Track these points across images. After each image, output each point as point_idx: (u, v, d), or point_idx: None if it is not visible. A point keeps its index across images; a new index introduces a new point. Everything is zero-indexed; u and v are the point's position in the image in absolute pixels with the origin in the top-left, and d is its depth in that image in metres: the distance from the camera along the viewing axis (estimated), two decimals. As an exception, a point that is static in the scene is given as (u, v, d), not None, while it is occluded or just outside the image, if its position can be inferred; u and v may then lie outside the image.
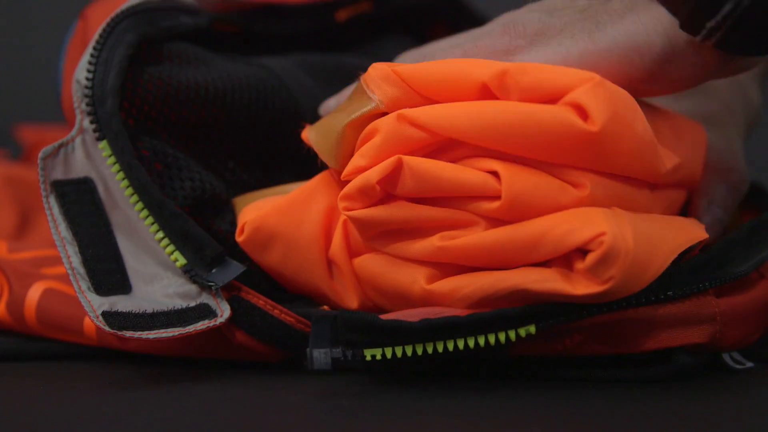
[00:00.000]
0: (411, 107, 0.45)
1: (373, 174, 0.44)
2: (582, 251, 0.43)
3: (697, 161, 0.50)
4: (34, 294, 0.52)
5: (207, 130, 0.52)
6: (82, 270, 0.47)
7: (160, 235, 0.48)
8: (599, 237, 0.42)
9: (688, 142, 0.49)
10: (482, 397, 0.45)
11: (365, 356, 0.44)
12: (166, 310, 0.47)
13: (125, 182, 0.49)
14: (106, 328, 0.45)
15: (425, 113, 0.44)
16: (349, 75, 0.52)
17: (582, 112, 0.43)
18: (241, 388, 0.47)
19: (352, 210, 0.45)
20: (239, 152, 0.54)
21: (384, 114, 0.46)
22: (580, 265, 0.43)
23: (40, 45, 1.03)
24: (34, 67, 1.04)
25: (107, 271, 0.48)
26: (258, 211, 0.49)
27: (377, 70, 0.46)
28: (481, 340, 0.43)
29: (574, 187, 0.44)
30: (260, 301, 0.48)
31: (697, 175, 0.50)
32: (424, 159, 0.45)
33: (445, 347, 0.44)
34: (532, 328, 0.43)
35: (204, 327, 0.47)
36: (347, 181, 0.46)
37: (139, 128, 0.50)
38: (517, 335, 0.43)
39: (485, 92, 0.45)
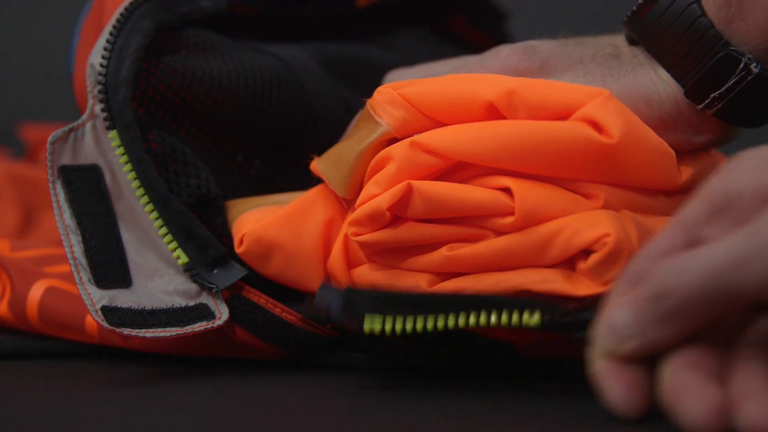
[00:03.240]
0: (419, 129, 0.45)
1: (383, 201, 0.44)
2: (586, 252, 0.43)
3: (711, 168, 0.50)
4: (36, 292, 0.52)
5: (218, 122, 0.52)
6: (84, 261, 0.47)
7: (164, 231, 0.48)
8: (603, 238, 0.42)
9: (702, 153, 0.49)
10: (485, 396, 0.45)
11: (364, 324, 0.43)
12: (165, 308, 0.47)
13: (132, 174, 0.49)
14: (105, 325, 0.46)
15: (438, 139, 0.44)
16: (363, 68, 0.51)
17: (596, 127, 0.43)
18: (241, 386, 0.47)
19: (361, 235, 0.45)
20: (248, 146, 0.54)
21: (393, 138, 0.46)
22: (582, 266, 0.43)
23: (43, 44, 1.04)
24: (37, 66, 1.04)
25: (109, 263, 0.48)
26: (256, 223, 0.49)
27: (383, 94, 0.46)
28: (483, 318, 0.42)
29: (588, 198, 0.44)
30: (261, 299, 0.48)
31: None
32: (433, 182, 0.44)
33: (446, 323, 0.43)
34: (537, 318, 0.42)
35: (202, 329, 0.47)
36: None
37: (150, 119, 0.50)
38: (521, 319, 0.42)
39: (492, 111, 0.44)
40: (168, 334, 0.46)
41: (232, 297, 0.48)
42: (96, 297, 0.46)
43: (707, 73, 0.45)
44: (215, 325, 0.47)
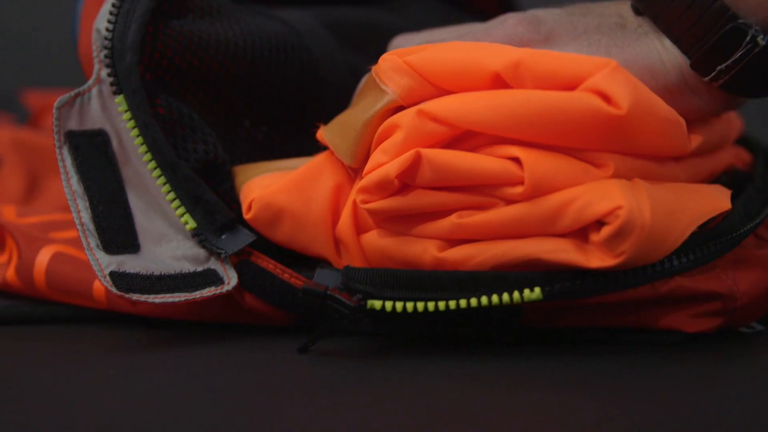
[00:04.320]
0: (425, 97, 0.45)
1: (392, 168, 0.44)
2: (599, 223, 0.43)
3: (727, 133, 0.49)
4: (43, 258, 0.52)
5: (225, 87, 0.52)
6: (91, 226, 0.47)
7: (172, 196, 0.48)
8: (616, 210, 0.42)
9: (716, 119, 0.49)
10: (492, 360, 0.45)
11: (367, 305, 0.44)
12: (173, 273, 0.47)
13: (139, 140, 0.48)
14: (113, 290, 0.46)
15: (445, 108, 0.44)
16: (370, 32, 0.51)
17: (604, 98, 0.42)
18: (247, 351, 0.47)
19: (369, 203, 0.45)
20: (255, 111, 0.54)
21: (399, 106, 0.46)
22: (595, 238, 0.42)
23: (46, 10, 1.03)
24: (40, 32, 1.04)
25: (116, 229, 0.48)
26: (265, 189, 0.48)
27: (388, 62, 0.46)
28: (484, 300, 0.43)
29: (597, 167, 0.44)
30: (270, 265, 0.48)
31: (727, 143, 0.50)
32: (442, 150, 0.44)
33: (447, 306, 0.43)
34: (538, 291, 0.43)
35: (210, 294, 0.47)
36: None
37: (157, 84, 0.50)
38: (522, 296, 0.43)
39: (498, 81, 0.44)
40: (176, 299, 0.46)
41: (241, 263, 0.48)
42: (104, 262, 0.46)
43: (714, 45, 0.45)
44: (224, 290, 0.47)
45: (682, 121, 0.44)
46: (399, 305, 0.44)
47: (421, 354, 0.46)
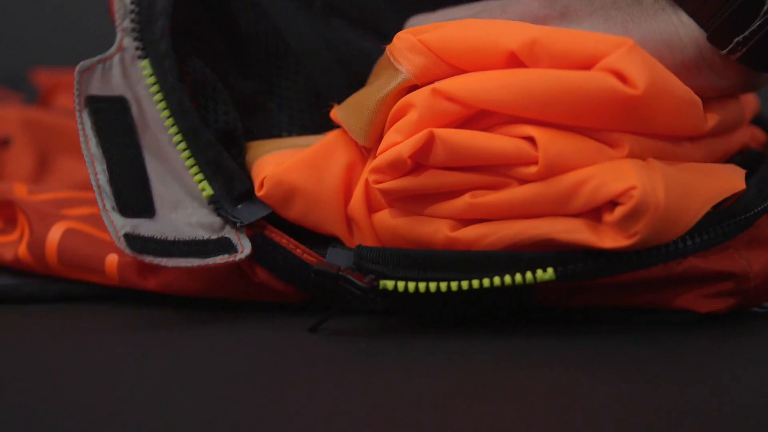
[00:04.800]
0: (440, 76, 0.45)
1: (405, 148, 0.44)
2: (612, 203, 0.42)
3: (743, 113, 0.49)
4: (55, 234, 0.52)
5: (245, 60, 0.52)
6: (108, 189, 0.47)
7: (191, 162, 0.48)
8: (630, 191, 0.41)
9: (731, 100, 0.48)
10: (503, 339, 0.45)
11: (379, 285, 0.44)
12: (187, 239, 0.47)
13: (162, 104, 0.48)
14: (128, 251, 0.45)
15: (460, 87, 0.43)
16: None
17: (621, 77, 0.42)
18: (256, 330, 0.47)
19: (382, 182, 0.45)
20: (268, 87, 0.54)
21: (413, 86, 0.46)
22: (608, 218, 0.42)
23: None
24: (49, 10, 1.04)
25: (133, 193, 0.48)
26: (277, 166, 0.48)
27: (402, 40, 0.46)
28: (497, 281, 0.43)
29: (612, 147, 0.43)
30: (283, 239, 0.48)
31: (744, 123, 0.50)
32: (455, 130, 0.44)
33: (460, 286, 0.43)
34: (551, 272, 0.43)
35: (223, 261, 0.46)
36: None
37: (184, 48, 0.50)
38: (535, 277, 0.43)
39: (513, 60, 0.44)
40: (189, 264, 0.46)
41: (255, 235, 0.48)
42: (119, 224, 0.46)
43: (730, 16, 0.44)
44: (237, 258, 0.47)
45: (699, 100, 0.44)
46: (411, 285, 0.44)
47: (432, 333, 0.46)
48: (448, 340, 0.45)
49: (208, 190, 0.48)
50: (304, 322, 0.47)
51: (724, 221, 0.44)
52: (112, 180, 0.47)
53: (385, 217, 0.47)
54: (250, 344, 0.45)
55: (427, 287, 0.44)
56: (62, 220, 0.53)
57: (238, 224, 0.48)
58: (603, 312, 0.48)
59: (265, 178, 0.48)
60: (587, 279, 0.44)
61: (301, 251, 0.48)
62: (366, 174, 0.47)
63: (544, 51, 0.43)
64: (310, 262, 0.48)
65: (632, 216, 0.41)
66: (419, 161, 0.44)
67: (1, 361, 0.43)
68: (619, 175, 0.42)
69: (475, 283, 0.43)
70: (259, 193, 0.48)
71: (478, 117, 0.44)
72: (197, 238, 0.47)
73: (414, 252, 0.45)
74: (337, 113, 0.48)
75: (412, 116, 0.44)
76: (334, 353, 0.44)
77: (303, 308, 0.50)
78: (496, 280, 0.43)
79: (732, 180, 0.45)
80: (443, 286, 0.44)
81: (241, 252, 0.47)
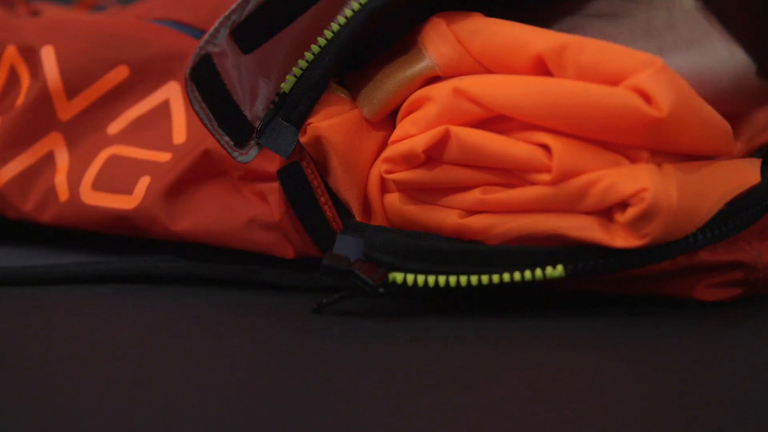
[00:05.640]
0: (463, 71, 0.44)
1: (419, 143, 0.44)
2: (624, 204, 0.42)
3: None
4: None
5: None
6: None
7: (316, 49, 0.46)
8: (641, 193, 0.41)
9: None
10: (508, 320, 0.45)
11: (389, 279, 0.44)
12: (236, 100, 0.46)
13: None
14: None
15: (483, 89, 0.43)
16: None
17: (646, 98, 0.41)
18: (257, 311, 0.47)
19: (394, 173, 0.45)
20: None
21: (435, 76, 0.45)
22: (620, 218, 0.42)
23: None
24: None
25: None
26: (324, 119, 0.46)
27: (434, 26, 0.45)
28: (506, 277, 0.43)
29: (630, 160, 0.42)
30: (315, 181, 0.47)
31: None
32: (472, 130, 0.43)
33: (469, 281, 0.43)
34: (560, 269, 0.43)
35: (225, 142, 0.46)
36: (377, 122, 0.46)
37: None
38: (544, 273, 0.43)
39: (540, 65, 0.43)
40: (206, 118, 0.45)
41: (291, 165, 0.47)
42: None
43: None
44: (233, 153, 0.46)
45: (728, 126, 0.43)
46: (421, 279, 0.43)
47: (435, 314, 0.46)
48: (452, 321, 0.45)
49: (287, 87, 0.46)
50: (303, 301, 0.47)
51: (736, 215, 0.44)
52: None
53: (395, 199, 0.46)
54: (251, 327, 0.45)
55: (437, 281, 0.43)
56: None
57: (256, 135, 0.46)
58: (607, 299, 0.48)
59: (309, 125, 0.47)
60: (596, 275, 0.43)
61: (324, 200, 0.47)
62: (384, 174, 0.46)
63: (573, 60, 0.42)
64: (326, 215, 0.47)
65: (644, 218, 0.41)
66: (433, 155, 0.44)
67: (5, 343, 0.43)
68: (630, 176, 0.41)
69: (485, 278, 0.43)
70: (301, 138, 0.47)
71: (496, 120, 0.44)
72: (244, 111, 0.46)
73: (424, 244, 0.44)
74: (352, 79, 0.47)
75: (430, 111, 0.44)
76: (334, 333, 0.44)
77: (295, 266, 0.50)
78: (506, 276, 0.43)
79: (747, 174, 0.44)
80: (452, 280, 0.43)
81: (241, 153, 0.46)
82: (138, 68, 0.56)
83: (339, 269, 0.44)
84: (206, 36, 0.45)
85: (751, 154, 0.48)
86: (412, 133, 0.44)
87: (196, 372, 0.39)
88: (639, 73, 0.41)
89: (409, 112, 0.45)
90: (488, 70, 0.44)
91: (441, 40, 0.45)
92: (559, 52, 0.42)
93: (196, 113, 0.45)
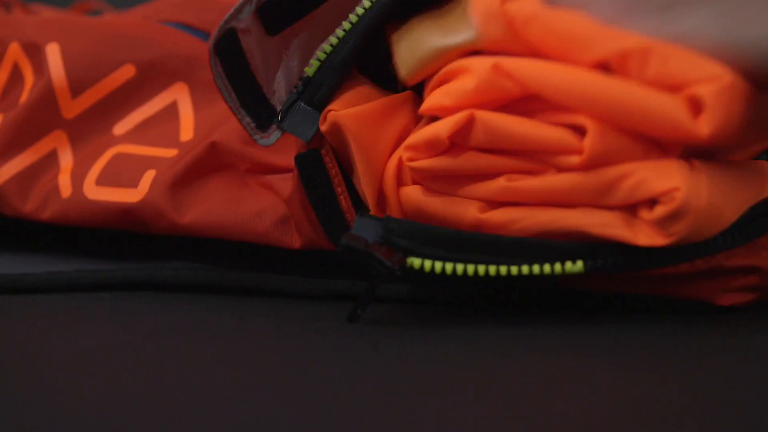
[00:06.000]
0: (509, 52, 0.43)
1: (444, 128, 0.43)
2: (652, 201, 0.41)
3: None
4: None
5: None
6: None
7: (341, 33, 0.45)
8: (672, 192, 0.40)
9: None
10: (512, 325, 0.45)
11: (406, 263, 0.43)
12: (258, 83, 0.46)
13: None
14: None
15: (526, 70, 0.42)
16: None
17: (697, 110, 0.40)
18: (263, 317, 0.47)
19: (416, 160, 0.44)
20: None
21: (478, 50, 0.44)
22: (646, 215, 0.41)
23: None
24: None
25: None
26: (345, 106, 0.46)
27: (487, 3, 0.43)
28: (525, 269, 0.42)
29: (663, 151, 0.42)
30: (333, 170, 0.46)
31: None
32: (497, 114, 0.42)
33: (487, 271, 0.42)
34: (580, 264, 0.42)
35: (246, 123, 0.45)
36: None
37: None
38: (563, 268, 0.42)
39: (602, 66, 0.42)
40: (232, 99, 0.45)
41: (311, 152, 0.46)
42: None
43: None
44: (255, 136, 0.46)
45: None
46: (438, 265, 0.43)
47: (437, 321, 0.46)
48: (454, 328, 0.45)
49: (311, 71, 0.45)
50: (309, 308, 0.47)
51: (757, 219, 0.43)
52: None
53: (412, 192, 0.45)
54: (255, 332, 0.45)
55: (454, 269, 0.43)
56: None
57: (278, 119, 0.46)
58: (619, 300, 0.47)
59: (329, 113, 0.46)
60: (615, 272, 0.43)
61: (340, 190, 0.46)
62: (401, 150, 0.45)
63: (637, 69, 0.41)
64: (341, 204, 0.46)
65: (674, 217, 0.40)
66: (458, 141, 0.43)
67: (6, 351, 0.43)
68: (662, 173, 0.41)
69: (503, 269, 0.42)
70: (321, 127, 0.46)
71: (530, 99, 0.43)
72: (267, 94, 0.46)
73: (444, 231, 0.43)
74: (394, 40, 0.46)
75: (467, 84, 0.43)
76: (340, 340, 0.43)
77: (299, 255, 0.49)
78: (525, 268, 0.42)
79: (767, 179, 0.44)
80: (470, 269, 0.43)
81: (263, 136, 0.46)
82: (145, 67, 0.56)
83: (357, 249, 0.43)
84: (232, 10, 0.44)
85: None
86: (445, 104, 0.43)
87: (197, 377, 0.39)
88: (703, 84, 0.40)
89: (442, 82, 0.44)
90: (541, 57, 0.43)
91: (492, 20, 0.43)
92: (626, 57, 0.41)
93: (219, 90, 0.45)
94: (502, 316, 0.46)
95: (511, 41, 0.43)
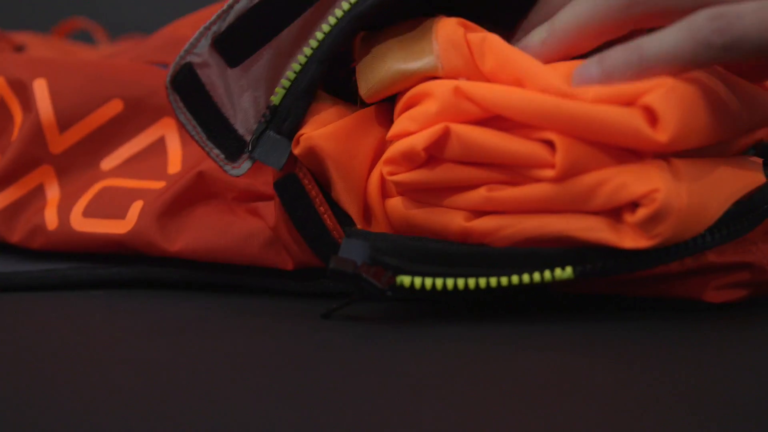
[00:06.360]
0: (469, 78, 0.44)
1: (419, 140, 0.43)
2: (633, 204, 0.41)
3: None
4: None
5: None
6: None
7: (298, 67, 0.46)
8: (652, 193, 0.40)
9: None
10: (508, 324, 0.45)
11: (396, 282, 0.43)
12: (225, 111, 0.46)
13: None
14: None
15: (486, 94, 0.42)
16: None
17: (653, 118, 0.40)
18: (261, 317, 0.47)
19: (396, 174, 0.44)
20: None
21: (437, 76, 0.44)
22: (629, 219, 0.41)
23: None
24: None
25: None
26: (316, 128, 0.46)
27: (451, 31, 0.44)
28: (515, 279, 0.43)
29: (638, 156, 0.42)
30: (313, 191, 0.47)
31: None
32: (472, 127, 0.43)
33: (477, 284, 0.43)
34: (569, 270, 0.42)
35: (215, 155, 0.46)
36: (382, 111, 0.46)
37: None
38: (553, 275, 0.42)
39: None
40: (196, 131, 0.46)
41: (289, 175, 0.47)
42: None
43: None
44: (225, 167, 0.46)
45: (737, 109, 0.42)
46: (428, 282, 0.43)
47: (434, 318, 0.46)
48: (451, 325, 0.45)
49: (277, 100, 0.46)
50: (305, 306, 0.47)
51: (743, 216, 0.43)
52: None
53: (398, 204, 0.46)
54: (253, 332, 0.45)
55: (444, 284, 0.43)
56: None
57: (248, 149, 0.46)
58: (611, 300, 0.47)
59: (302, 136, 0.46)
60: (605, 276, 0.43)
61: (323, 209, 0.47)
62: (380, 165, 0.46)
63: (593, 90, 0.41)
64: (326, 224, 0.46)
65: (655, 218, 0.40)
66: (434, 154, 0.44)
67: (0, 348, 0.43)
68: (640, 175, 0.41)
69: (493, 281, 0.43)
70: (294, 150, 0.46)
71: (497, 118, 0.43)
72: (234, 125, 0.46)
73: (431, 246, 0.43)
74: (358, 52, 0.46)
75: (429, 108, 0.43)
76: (336, 340, 0.43)
77: (296, 277, 0.49)
78: (515, 278, 0.42)
79: (751, 173, 0.44)
80: (460, 283, 0.43)
81: (233, 167, 0.46)
82: (133, 103, 0.56)
83: (346, 273, 0.43)
84: (186, 46, 0.45)
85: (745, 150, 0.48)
86: (411, 130, 0.44)
87: (190, 374, 0.39)
88: (650, 92, 0.40)
89: (407, 107, 0.44)
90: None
91: (454, 49, 0.44)
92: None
93: (182, 124, 0.46)
94: (496, 314, 0.47)
95: (469, 71, 0.44)
